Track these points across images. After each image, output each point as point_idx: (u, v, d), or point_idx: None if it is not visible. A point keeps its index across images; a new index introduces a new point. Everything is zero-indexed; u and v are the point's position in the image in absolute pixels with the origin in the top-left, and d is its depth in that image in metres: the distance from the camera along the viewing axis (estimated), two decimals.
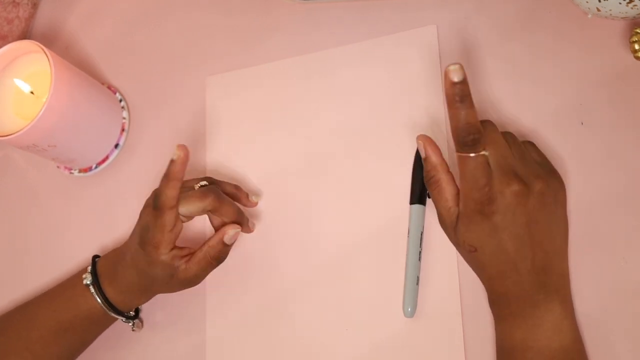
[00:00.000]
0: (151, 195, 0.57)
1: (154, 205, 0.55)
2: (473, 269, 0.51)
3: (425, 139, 0.52)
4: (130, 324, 0.62)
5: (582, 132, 0.55)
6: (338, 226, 0.60)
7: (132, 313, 0.62)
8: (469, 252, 0.49)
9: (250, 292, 0.61)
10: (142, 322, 0.64)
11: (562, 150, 0.55)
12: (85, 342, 0.62)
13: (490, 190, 0.47)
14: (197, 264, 0.57)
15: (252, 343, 0.60)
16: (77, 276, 0.61)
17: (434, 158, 0.52)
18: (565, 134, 0.55)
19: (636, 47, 0.52)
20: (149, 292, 0.60)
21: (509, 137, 0.51)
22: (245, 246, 0.62)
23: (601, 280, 0.51)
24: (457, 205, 0.50)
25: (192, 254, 0.57)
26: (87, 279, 0.59)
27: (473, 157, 0.47)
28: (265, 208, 0.63)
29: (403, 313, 0.55)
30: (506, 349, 0.49)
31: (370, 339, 0.56)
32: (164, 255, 0.56)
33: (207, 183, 0.59)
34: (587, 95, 0.55)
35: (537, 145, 0.54)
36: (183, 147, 0.54)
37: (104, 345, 0.64)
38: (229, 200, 0.59)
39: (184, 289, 0.59)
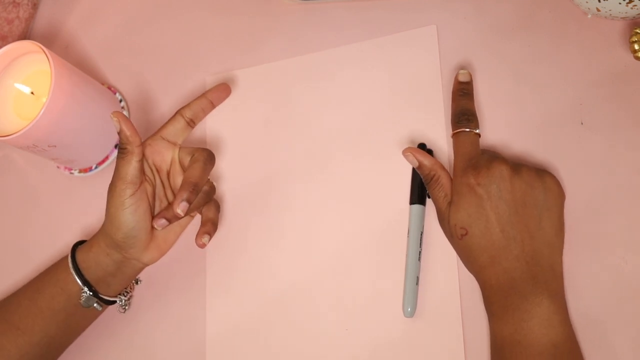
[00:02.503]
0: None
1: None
2: (467, 262, 0.52)
3: (411, 150, 0.55)
4: (120, 307, 0.62)
5: (582, 132, 0.55)
6: (338, 226, 0.60)
7: (122, 298, 0.62)
8: (461, 238, 0.50)
9: (250, 292, 0.61)
10: (126, 301, 0.63)
11: (562, 150, 0.55)
12: (72, 326, 0.61)
13: (477, 163, 0.51)
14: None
15: (252, 343, 0.60)
16: (68, 300, 0.59)
17: (427, 162, 0.54)
18: (565, 134, 0.55)
19: (636, 47, 0.52)
20: (121, 252, 0.58)
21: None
22: (245, 245, 0.62)
23: (601, 280, 0.51)
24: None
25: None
26: (91, 301, 0.59)
27: (466, 132, 0.53)
28: (265, 208, 0.63)
29: (403, 313, 0.55)
30: (497, 345, 0.49)
31: (370, 339, 0.56)
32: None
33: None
34: (587, 95, 0.55)
35: (536, 146, 0.55)
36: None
37: (103, 346, 0.64)
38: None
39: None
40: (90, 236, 0.62)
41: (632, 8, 0.51)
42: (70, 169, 0.71)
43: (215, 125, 0.67)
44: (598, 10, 0.53)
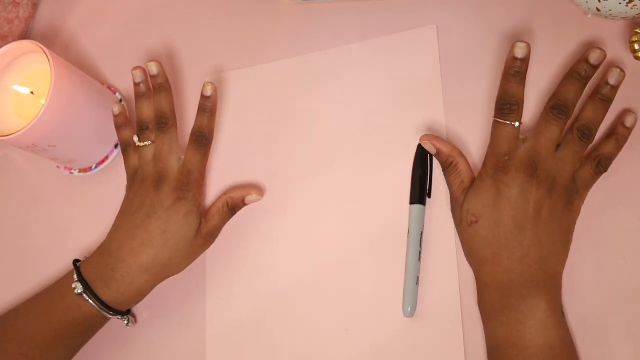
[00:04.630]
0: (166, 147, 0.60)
1: (201, 142, 0.59)
2: (469, 253, 0.52)
3: (428, 137, 0.55)
4: (125, 321, 0.62)
5: None
6: (338, 226, 0.60)
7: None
8: (470, 225, 0.50)
9: (250, 292, 0.61)
10: (135, 317, 0.63)
11: None
12: (82, 343, 0.61)
13: (508, 163, 0.50)
14: (217, 213, 0.60)
15: (252, 343, 0.60)
16: (64, 286, 0.59)
17: (445, 148, 0.55)
18: None
19: (636, 47, 0.52)
20: (160, 275, 0.59)
21: (574, 139, 0.50)
22: (245, 245, 0.62)
23: (601, 280, 0.51)
24: (470, 186, 0.52)
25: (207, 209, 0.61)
26: (78, 289, 0.58)
27: (505, 124, 0.51)
28: (265, 208, 0.63)
29: (403, 313, 0.55)
30: (492, 348, 0.49)
31: (370, 339, 0.56)
32: (201, 197, 0.60)
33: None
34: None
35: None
36: (211, 83, 0.60)
37: (104, 346, 0.64)
38: None
39: (202, 250, 0.60)
40: (90, 236, 0.62)
41: (632, 8, 0.51)
42: (70, 169, 0.71)
43: (215, 125, 0.67)
44: (598, 10, 0.53)
